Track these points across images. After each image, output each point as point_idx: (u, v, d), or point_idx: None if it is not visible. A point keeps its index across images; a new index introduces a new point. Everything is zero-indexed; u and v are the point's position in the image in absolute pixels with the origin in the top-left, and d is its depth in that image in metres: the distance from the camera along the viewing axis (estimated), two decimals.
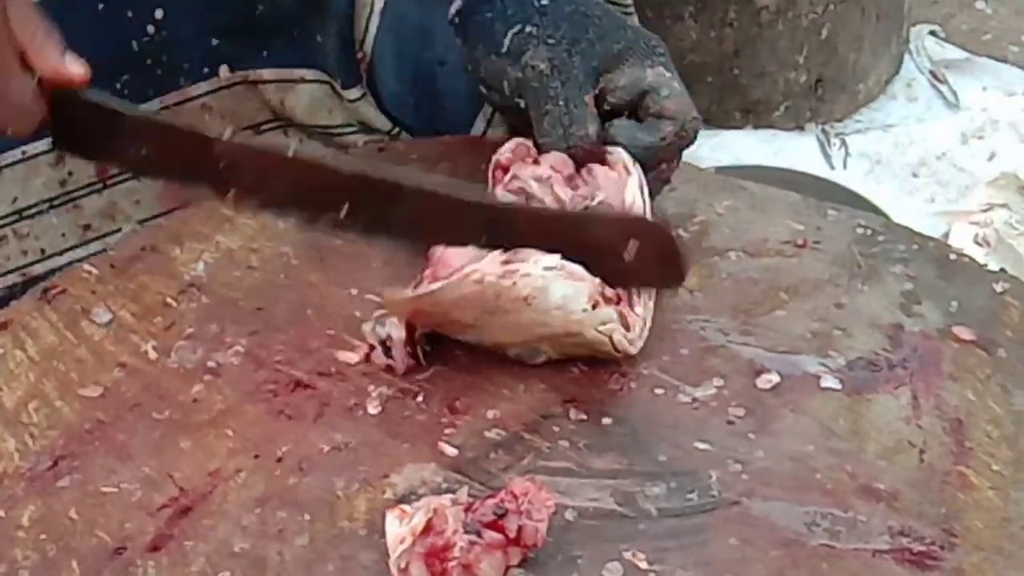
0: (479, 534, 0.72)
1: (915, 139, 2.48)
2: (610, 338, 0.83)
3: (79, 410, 0.84)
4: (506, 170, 0.89)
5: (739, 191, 1.00)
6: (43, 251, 1.06)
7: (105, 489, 0.79)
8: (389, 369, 0.85)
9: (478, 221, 0.84)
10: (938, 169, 2.42)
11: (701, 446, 0.81)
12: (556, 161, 0.89)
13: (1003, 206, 2.28)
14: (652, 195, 0.91)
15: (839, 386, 0.85)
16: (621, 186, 0.87)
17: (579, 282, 0.81)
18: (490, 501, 0.73)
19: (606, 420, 0.83)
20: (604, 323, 0.83)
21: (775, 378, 0.85)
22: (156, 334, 0.89)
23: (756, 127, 2.51)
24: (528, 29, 0.92)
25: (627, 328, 0.84)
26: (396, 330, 0.85)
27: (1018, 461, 0.80)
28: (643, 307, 0.85)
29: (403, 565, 0.71)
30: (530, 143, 0.91)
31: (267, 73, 1.08)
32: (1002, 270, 0.95)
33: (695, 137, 0.91)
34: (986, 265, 0.96)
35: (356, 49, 1.08)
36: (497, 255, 0.81)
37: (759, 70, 2.48)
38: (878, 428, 0.82)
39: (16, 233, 1.05)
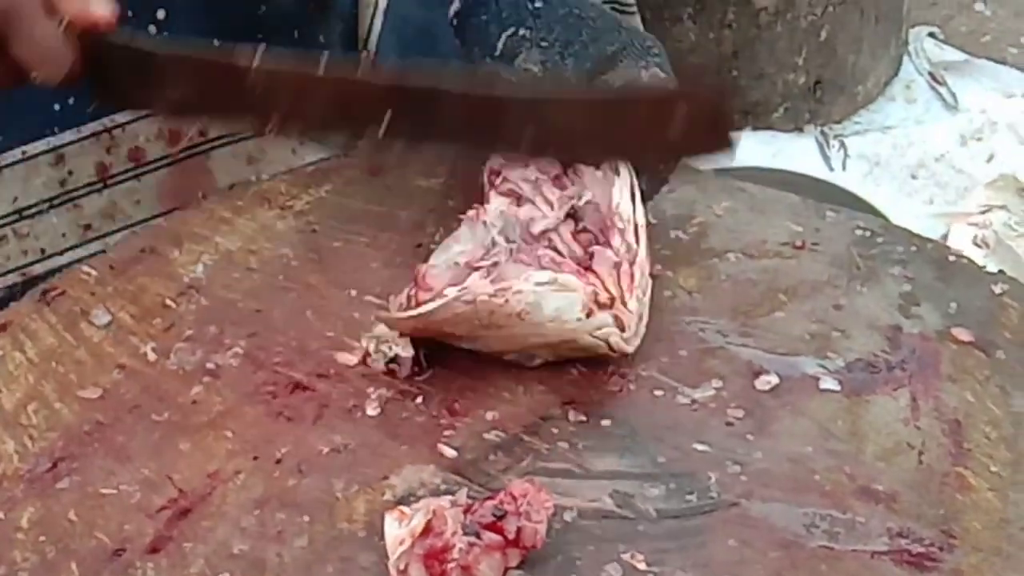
0: (478, 535, 0.72)
1: (914, 141, 2.48)
2: (606, 341, 0.83)
3: (78, 412, 0.84)
4: (499, 174, 0.89)
5: (738, 192, 1.00)
6: (43, 251, 1.06)
7: (104, 491, 0.79)
8: (388, 371, 0.85)
9: (519, 118, 0.83)
10: (937, 171, 2.42)
11: (700, 447, 0.81)
12: (543, 163, 0.89)
13: (1002, 208, 2.29)
14: (649, 196, 0.91)
15: (838, 387, 0.85)
16: (608, 186, 0.87)
17: (572, 293, 0.81)
18: (489, 503, 0.73)
19: (605, 422, 0.83)
20: (599, 328, 0.83)
21: (774, 379, 0.85)
22: (155, 336, 0.89)
23: (755, 128, 2.51)
24: (521, 32, 0.92)
25: (622, 329, 0.84)
26: (404, 350, 0.85)
27: (1017, 462, 0.80)
28: (636, 302, 0.85)
29: (402, 567, 0.71)
30: None
31: None
32: (1001, 271, 0.95)
33: None
34: (985, 267, 0.96)
35: (360, 48, 1.08)
36: (483, 273, 0.82)
37: (758, 72, 2.48)
38: (877, 429, 0.82)
39: (16, 233, 1.05)
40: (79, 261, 0.96)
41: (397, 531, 0.72)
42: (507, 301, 0.80)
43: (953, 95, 2.57)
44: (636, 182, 0.89)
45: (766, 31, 2.44)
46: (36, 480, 0.80)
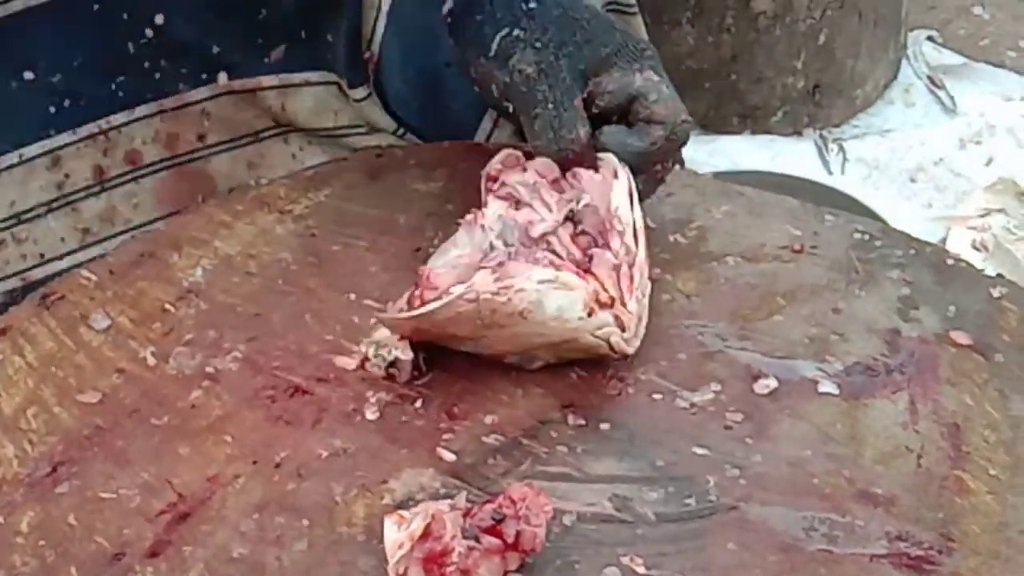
0: (477, 539, 0.72)
1: (913, 144, 2.48)
2: (607, 341, 0.83)
3: (78, 416, 0.84)
4: (496, 179, 0.89)
5: (737, 196, 1.01)
6: (42, 255, 1.06)
7: (104, 495, 0.79)
8: (388, 375, 0.85)
9: None
10: (936, 174, 2.42)
11: (699, 451, 0.81)
12: (541, 166, 0.89)
13: (1000, 211, 2.29)
14: (646, 196, 0.91)
15: (836, 391, 0.85)
16: (606, 189, 0.87)
17: (573, 292, 0.82)
18: (488, 506, 0.73)
19: (604, 425, 0.83)
20: (601, 328, 0.83)
21: (773, 383, 0.85)
22: (155, 340, 0.89)
23: (754, 132, 2.52)
24: (515, 32, 0.92)
25: (623, 329, 0.84)
26: (403, 352, 0.85)
27: (1015, 466, 0.80)
28: (636, 303, 0.85)
29: (402, 570, 0.71)
30: (519, 153, 0.91)
31: (267, 80, 1.08)
32: (999, 275, 0.95)
33: (687, 139, 0.91)
34: (983, 270, 0.96)
35: (364, 48, 1.08)
36: (488, 272, 0.82)
37: (757, 75, 2.48)
38: (875, 433, 0.82)
39: (14, 237, 1.05)
40: (79, 266, 0.96)
41: (396, 535, 0.72)
42: (509, 299, 0.80)
43: (952, 99, 2.57)
44: (634, 185, 0.89)
45: (765, 35, 2.45)
46: (36, 484, 0.80)
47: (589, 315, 0.82)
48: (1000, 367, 0.87)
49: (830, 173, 2.43)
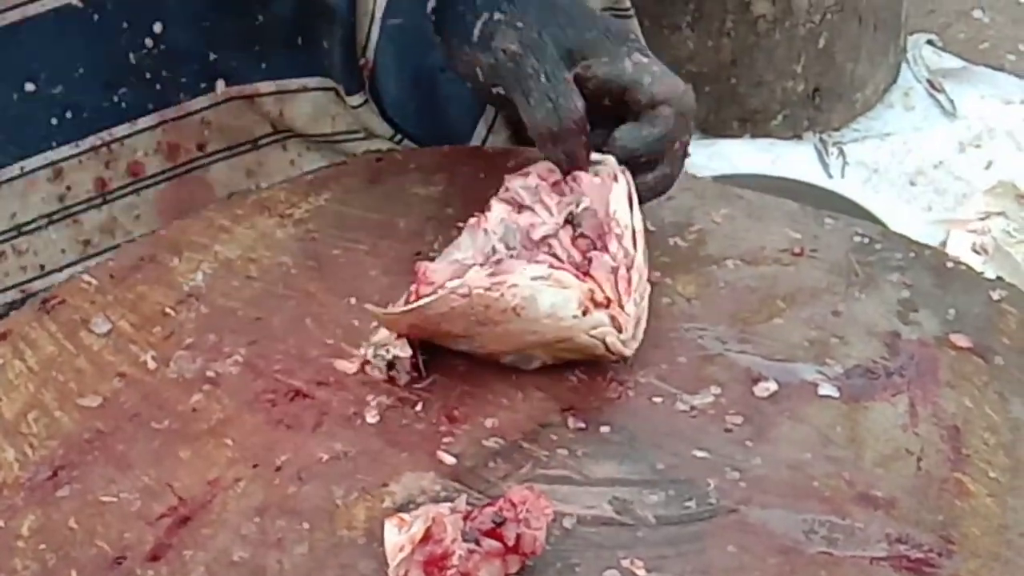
0: (478, 542, 0.72)
1: (912, 148, 2.48)
2: (603, 341, 0.83)
3: (78, 420, 0.84)
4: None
5: (736, 200, 1.01)
6: (42, 267, 1.06)
7: (104, 499, 0.79)
8: (388, 378, 0.85)
9: None
10: (935, 178, 2.43)
11: (699, 454, 0.81)
12: (542, 170, 0.89)
13: (1000, 214, 2.29)
14: (675, 174, 0.91)
15: (836, 394, 0.85)
16: (606, 193, 0.87)
17: (567, 289, 0.82)
18: (488, 509, 0.73)
19: (604, 428, 0.83)
20: (595, 327, 0.83)
21: (772, 386, 0.85)
22: (155, 344, 0.89)
23: (753, 136, 2.52)
24: (496, 16, 0.91)
25: (619, 330, 0.84)
26: (401, 350, 0.85)
27: (1015, 468, 0.81)
28: (634, 305, 0.85)
29: (402, 573, 0.71)
30: (551, 165, 0.90)
31: (265, 86, 1.08)
32: (999, 278, 0.95)
33: (694, 108, 0.90)
34: (983, 273, 0.96)
35: (359, 55, 1.08)
36: (482, 268, 0.82)
37: (756, 79, 2.48)
38: (875, 436, 0.82)
39: (15, 249, 1.05)
40: None
41: (397, 538, 0.72)
42: (502, 295, 0.80)
43: (951, 102, 2.57)
44: (633, 188, 0.89)
45: (764, 39, 2.45)
46: (36, 488, 0.80)
47: (584, 314, 0.82)
48: (1000, 370, 0.87)
49: (830, 176, 2.43)
